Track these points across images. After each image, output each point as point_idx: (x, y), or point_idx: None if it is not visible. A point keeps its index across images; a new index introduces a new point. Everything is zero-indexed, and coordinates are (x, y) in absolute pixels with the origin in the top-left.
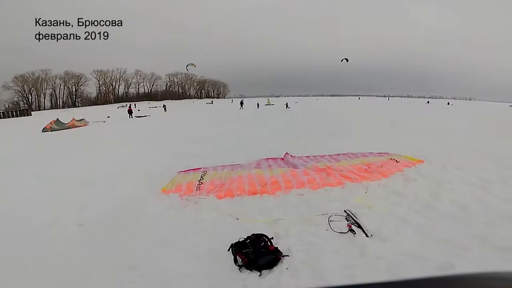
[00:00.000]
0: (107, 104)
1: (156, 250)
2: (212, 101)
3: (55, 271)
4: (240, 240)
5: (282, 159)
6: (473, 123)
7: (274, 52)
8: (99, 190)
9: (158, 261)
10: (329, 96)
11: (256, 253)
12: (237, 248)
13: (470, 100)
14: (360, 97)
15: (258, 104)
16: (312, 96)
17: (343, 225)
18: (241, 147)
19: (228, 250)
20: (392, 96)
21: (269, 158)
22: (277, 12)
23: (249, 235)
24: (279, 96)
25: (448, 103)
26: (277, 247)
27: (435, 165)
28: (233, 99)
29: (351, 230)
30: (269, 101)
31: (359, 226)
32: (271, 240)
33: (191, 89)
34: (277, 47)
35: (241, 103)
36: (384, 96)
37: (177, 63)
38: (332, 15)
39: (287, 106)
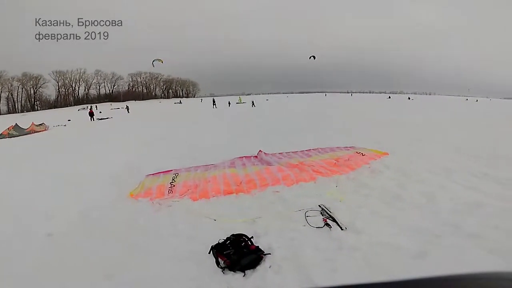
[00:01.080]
0: (68, 106)
1: (131, 257)
2: (180, 101)
3: (28, 284)
4: (220, 242)
5: (256, 157)
6: (433, 116)
7: (244, 50)
8: (65, 197)
9: (134, 268)
10: (298, 93)
11: (238, 253)
12: (218, 250)
13: (429, 94)
14: (326, 93)
15: (229, 103)
16: (283, 93)
17: (319, 219)
18: (214, 146)
19: (209, 252)
20: (355, 92)
21: (242, 157)
22: (246, 10)
23: (229, 236)
24: (249, 94)
25: (409, 98)
26: (258, 246)
27: (400, 156)
28: (202, 98)
29: (327, 224)
30: (240, 99)
31: (334, 220)
32: (251, 239)
33: (157, 89)
34: (247, 46)
35: (214, 102)
36: (347, 92)
37: (141, 63)
38: (298, 11)
39: (253, 104)
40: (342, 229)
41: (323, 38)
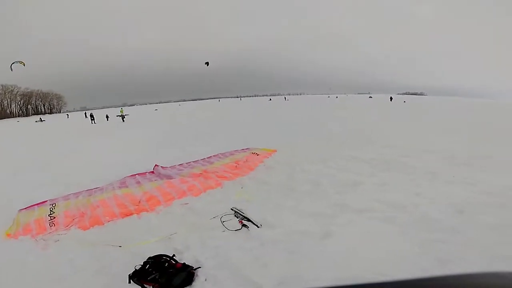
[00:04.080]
0: None
1: None
2: (41, 118)
3: None
4: (137, 268)
5: (152, 172)
6: (305, 113)
7: (125, 57)
8: None
9: None
10: (191, 100)
11: (165, 275)
12: (140, 277)
13: (300, 95)
14: (219, 99)
15: (107, 116)
16: (174, 102)
17: (235, 222)
18: (93, 168)
19: (129, 282)
20: (243, 96)
21: (135, 174)
22: (126, 9)
23: (146, 260)
24: (133, 105)
25: (285, 99)
26: (184, 263)
27: (285, 152)
28: (69, 113)
29: (244, 225)
30: (122, 111)
31: (249, 220)
32: (174, 257)
33: (13, 105)
34: (130, 52)
35: (92, 117)
36: (237, 97)
37: None
38: (190, 16)
39: (123, 118)
40: (258, 227)
41: (217, 44)
